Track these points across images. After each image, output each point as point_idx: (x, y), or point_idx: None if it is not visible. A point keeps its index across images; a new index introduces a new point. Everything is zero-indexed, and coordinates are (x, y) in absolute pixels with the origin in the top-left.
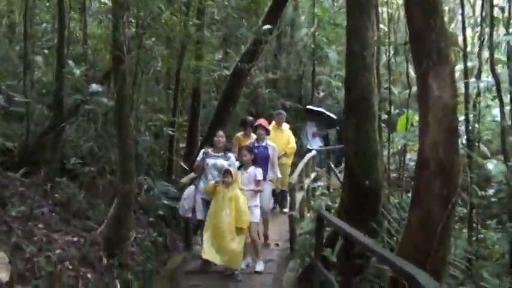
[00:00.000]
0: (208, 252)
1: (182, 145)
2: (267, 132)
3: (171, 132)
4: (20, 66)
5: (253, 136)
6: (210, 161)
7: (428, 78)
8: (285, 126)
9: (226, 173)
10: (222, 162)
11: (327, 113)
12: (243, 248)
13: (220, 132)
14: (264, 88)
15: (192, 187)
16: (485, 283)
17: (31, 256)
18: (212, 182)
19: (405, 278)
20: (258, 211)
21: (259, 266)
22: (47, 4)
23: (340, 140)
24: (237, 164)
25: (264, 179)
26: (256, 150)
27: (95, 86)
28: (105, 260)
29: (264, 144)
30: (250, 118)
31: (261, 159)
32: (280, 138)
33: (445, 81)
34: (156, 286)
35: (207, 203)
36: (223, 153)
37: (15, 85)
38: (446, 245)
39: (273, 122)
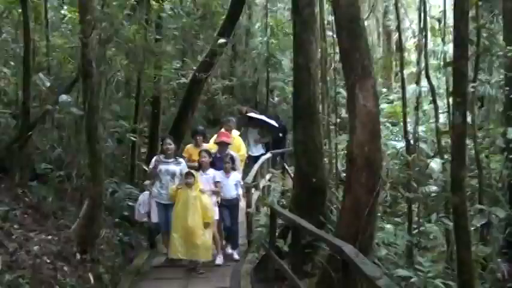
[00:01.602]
0: (179, 251)
1: (143, 150)
2: (228, 145)
3: (133, 138)
4: None
5: (204, 146)
6: (162, 167)
7: (354, 89)
8: (235, 133)
9: (188, 174)
10: (173, 167)
11: (269, 121)
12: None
13: (168, 140)
14: (221, 95)
15: (146, 193)
16: (421, 267)
17: (14, 251)
18: (174, 186)
19: (335, 250)
20: (216, 209)
21: (219, 259)
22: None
23: (274, 147)
24: (186, 168)
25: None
26: (218, 163)
27: (64, 97)
28: (78, 255)
29: (226, 153)
30: (201, 128)
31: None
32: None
33: (369, 92)
34: (126, 279)
35: (163, 206)
36: (174, 159)
37: None
38: (372, 225)
39: (222, 129)
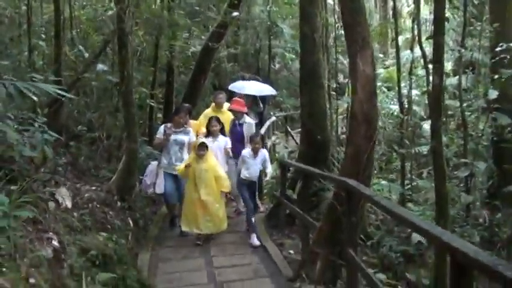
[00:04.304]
0: (194, 225)
1: (159, 115)
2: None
3: (152, 104)
4: (12, 47)
5: (190, 122)
6: (171, 137)
7: (356, 58)
8: (226, 106)
9: (201, 145)
10: (182, 137)
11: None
12: None
13: (182, 113)
14: (227, 62)
15: (154, 163)
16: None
17: (73, 196)
18: (182, 165)
19: (341, 184)
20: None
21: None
22: None
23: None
24: (194, 138)
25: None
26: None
27: (100, 66)
28: (119, 203)
29: (241, 121)
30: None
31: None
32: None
33: (367, 60)
34: (155, 226)
35: (172, 177)
36: (183, 128)
37: (6, 65)
38: (370, 168)
39: (212, 104)
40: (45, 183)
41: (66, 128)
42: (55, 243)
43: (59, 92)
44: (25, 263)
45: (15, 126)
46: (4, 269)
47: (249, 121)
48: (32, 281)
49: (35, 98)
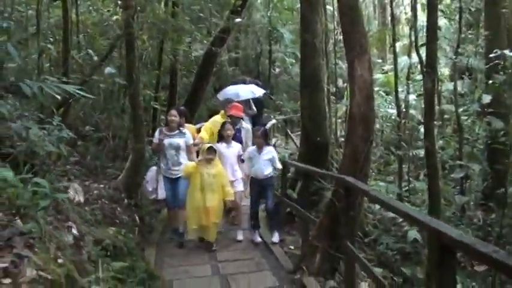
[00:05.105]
0: (198, 232)
1: (162, 117)
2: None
3: (156, 106)
4: (19, 50)
5: (187, 126)
6: (166, 141)
7: (354, 63)
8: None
9: (210, 149)
10: (177, 140)
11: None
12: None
13: (173, 111)
14: (228, 66)
15: (153, 168)
16: None
17: (83, 193)
18: (193, 162)
19: (340, 181)
20: (241, 184)
21: (240, 235)
22: None
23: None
24: (191, 140)
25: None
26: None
27: (109, 69)
28: (126, 200)
29: (237, 127)
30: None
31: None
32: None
33: (365, 65)
34: (160, 223)
35: (170, 181)
36: (178, 131)
37: (13, 67)
38: (367, 166)
39: (222, 112)
40: (58, 178)
41: (74, 128)
42: (74, 231)
43: (80, 92)
44: (52, 246)
45: (36, 125)
46: (36, 250)
47: (246, 126)
48: (60, 261)
49: (58, 97)
